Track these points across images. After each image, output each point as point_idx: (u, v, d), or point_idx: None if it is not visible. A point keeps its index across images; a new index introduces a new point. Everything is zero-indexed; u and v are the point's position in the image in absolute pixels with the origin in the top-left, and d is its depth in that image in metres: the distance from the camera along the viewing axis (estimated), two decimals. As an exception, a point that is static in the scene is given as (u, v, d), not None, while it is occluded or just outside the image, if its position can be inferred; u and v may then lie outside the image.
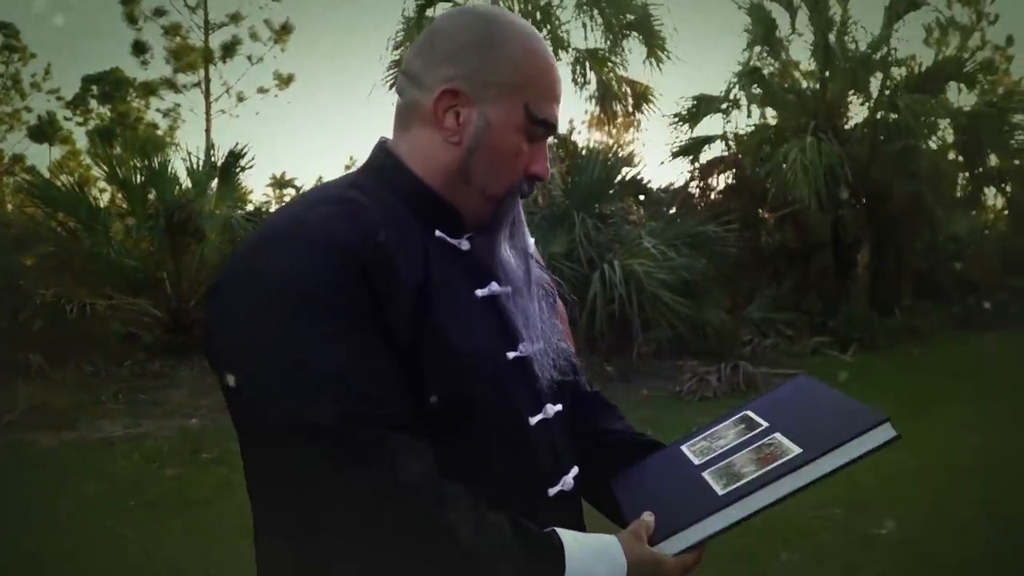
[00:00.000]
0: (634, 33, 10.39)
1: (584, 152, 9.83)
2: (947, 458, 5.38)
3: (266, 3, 20.25)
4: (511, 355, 1.07)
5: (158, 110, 22.40)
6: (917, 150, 10.12)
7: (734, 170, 11.40)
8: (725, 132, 11.51)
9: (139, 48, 19.53)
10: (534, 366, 1.10)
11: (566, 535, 0.98)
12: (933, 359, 9.54)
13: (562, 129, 10.81)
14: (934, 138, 11.05)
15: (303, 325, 0.89)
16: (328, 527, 0.89)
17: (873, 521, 4.35)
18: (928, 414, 6.76)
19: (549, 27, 10.12)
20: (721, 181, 11.62)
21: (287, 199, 17.36)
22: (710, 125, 11.96)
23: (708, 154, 11.68)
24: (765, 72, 11.18)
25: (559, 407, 1.14)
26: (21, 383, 7.88)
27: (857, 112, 11.66)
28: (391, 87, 11.32)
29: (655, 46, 10.31)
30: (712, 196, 11.53)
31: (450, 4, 10.73)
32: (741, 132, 11.54)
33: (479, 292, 1.07)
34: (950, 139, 11.36)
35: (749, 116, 11.44)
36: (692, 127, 11.36)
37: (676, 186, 11.47)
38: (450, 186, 1.07)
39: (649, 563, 1.00)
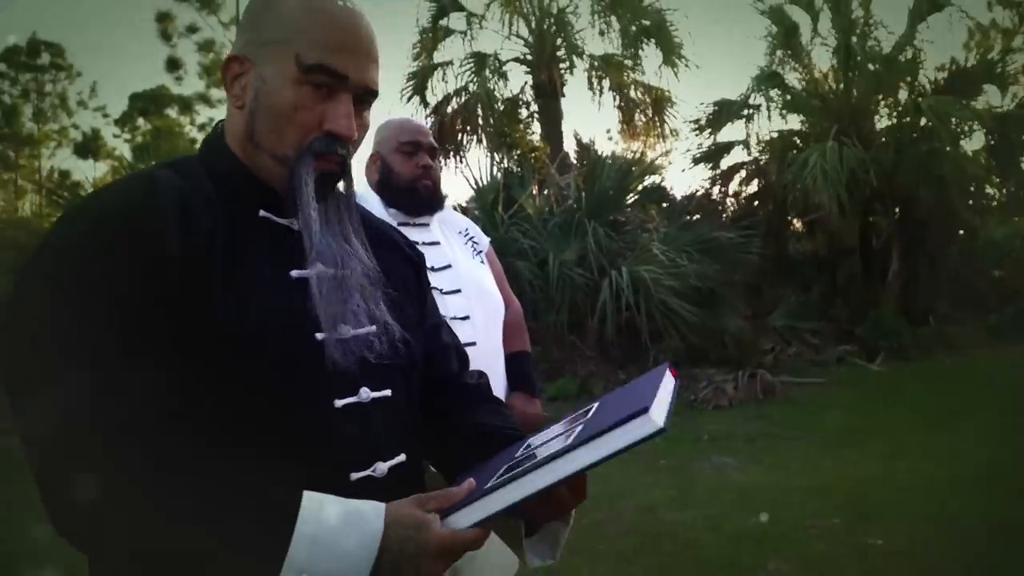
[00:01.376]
0: (650, 39, 10.32)
1: (601, 160, 9.76)
2: (957, 470, 5.19)
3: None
4: (320, 336, 1.03)
5: (193, 124, 22.89)
6: (943, 153, 9.84)
7: (758, 177, 11.23)
8: (747, 138, 11.35)
9: (173, 64, 20.02)
10: (361, 347, 1.07)
11: (313, 498, 0.90)
12: (964, 370, 9.24)
13: (585, 137, 10.71)
14: (964, 142, 10.76)
15: (56, 310, 0.91)
16: (51, 503, 0.91)
17: (872, 532, 4.21)
18: (948, 427, 6.55)
19: (564, 35, 10.11)
20: (745, 187, 11.47)
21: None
22: (732, 131, 11.79)
23: (730, 160, 11.53)
24: (786, 76, 11.01)
25: (386, 392, 1.10)
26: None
27: (883, 116, 11.43)
28: (408, 99, 11.50)
29: (671, 52, 10.21)
30: (735, 202, 11.38)
31: (463, 14, 10.83)
32: (765, 138, 11.38)
33: (294, 273, 1.04)
34: (980, 143, 11.05)
35: (771, 119, 11.27)
36: (713, 133, 11.23)
37: (699, 193, 11.32)
38: (247, 153, 1.06)
39: (411, 526, 0.92)
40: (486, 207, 8.87)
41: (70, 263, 0.92)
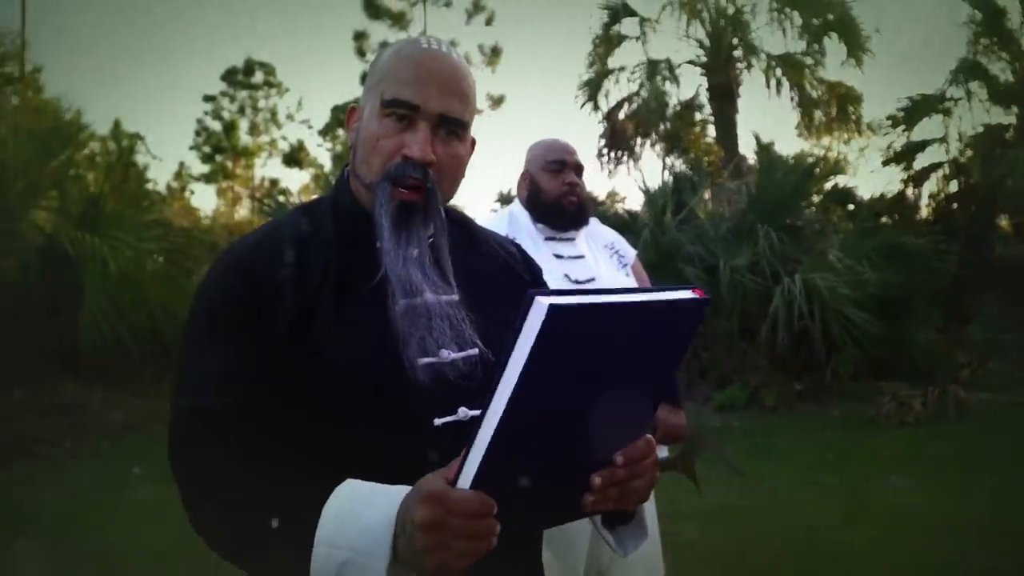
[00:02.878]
0: (833, 34, 9.81)
1: (777, 162, 9.40)
2: None
3: (479, 28, 21.34)
4: (422, 361, 1.11)
5: (385, 135, 24.24)
6: None
7: (958, 176, 10.35)
8: (945, 135, 10.48)
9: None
10: (464, 370, 1.13)
11: (347, 484, 0.99)
12: None
13: (765, 138, 10.25)
14: None
15: (191, 332, 1.14)
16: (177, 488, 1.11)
17: None
18: None
19: (740, 35, 9.82)
20: (943, 188, 10.60)
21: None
22: (927, 128, 10.91)
23: (925, 159, 10.70)
24: (990, 66, 10.07)
25: (478, 413, 1.19)
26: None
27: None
28: (582, 106, 11.61)
29: (856, 46, 9.65)
30: (931, 204, 10.55)
31: (636, 19, 10.77)
32: (967, 134, 10.45)
33: (403, 302, 1.12)
34: None
35: (988, 115, 10.27)
36: (907, 131, 10.46)
37: (890, 195, 10.60)
38: (356, 188, 1.19)
39: (417, 486, 0.95)
40: (656, 212, 8.81)
41: (204, 293, 1.15)
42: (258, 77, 27.46)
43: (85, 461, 6.68)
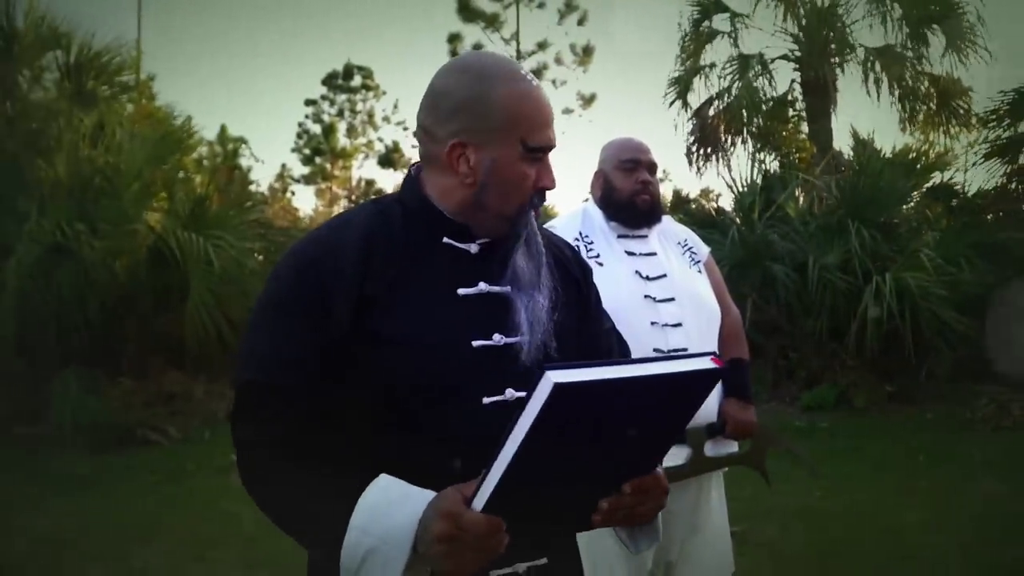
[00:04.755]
0: (936, 26, 9.44)
1: (873, 157, 9.11)
2: None
3: (570, 28, 21.36)
4: (476, 344, 1.24)
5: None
6: None
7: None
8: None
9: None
10: (510, 354, 1.25)
11: (386, 478, 1.13)
12: None
13: (863, 133, 9.87)
14: None
15: (260, 316, 1.26)
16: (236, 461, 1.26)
17: None
18: None
19: (831, 31, 9.56)
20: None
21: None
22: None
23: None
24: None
25: (524, 394, 1.27)
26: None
27: None
28: (672, 103, 11.52)
29: (959, 37, 9.26)
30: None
31: (727, 15, 10.61)
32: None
33: (461, 291, 1.26)
34: None
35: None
36: (1013, 124, 9.95)
37: (993, 190, 10.09)
38: (470, 214, 1.29)
39: (437, 499, 1.08)
40: (744, 210, 8.69)
41: (272, 281, 1.28)
42: (356, 80, 28.03)
43: (188, 447, 7.12)
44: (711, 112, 11.01)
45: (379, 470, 1.13)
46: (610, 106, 45.56)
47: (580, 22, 21.05)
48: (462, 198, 1.28)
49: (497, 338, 1.25)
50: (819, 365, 7.86)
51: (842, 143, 10.75)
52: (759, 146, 10.87)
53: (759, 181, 8.89)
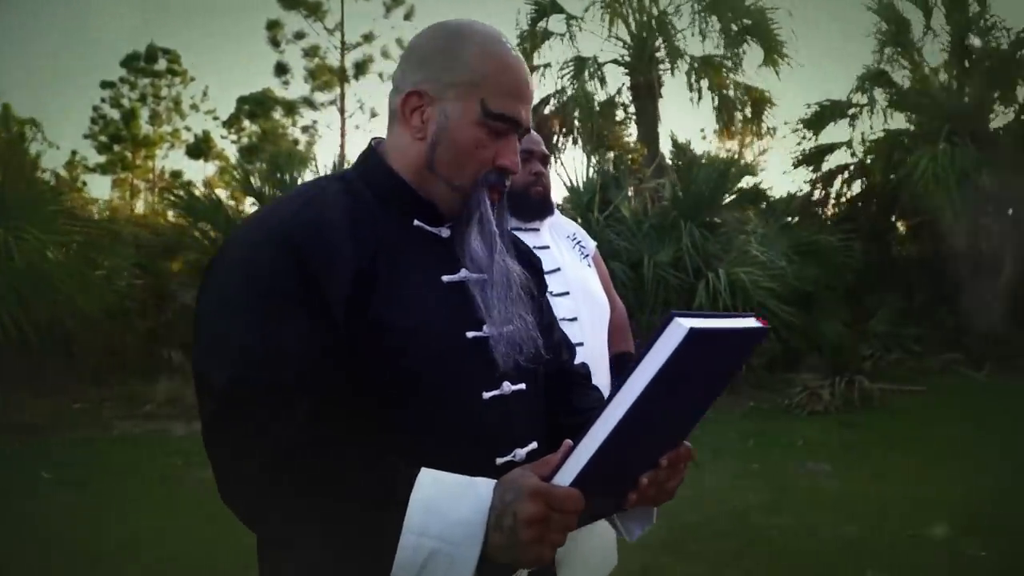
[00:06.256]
0: (751, 38, 10.17)
1: (697, 160, 9.69)
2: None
3: (397, 22, 21.10)
4: (470, 335, 1.15)
5: (296, 127, 23.58)
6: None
7: (863, 178, 10.91)
8: (851, 139, 11.05)
9: (280, 69, 20.73)
10: (493, 347, 1.17)
11: (426, 474, 1.01)
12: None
13: (682, 137, 10.59)
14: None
15: (234, 305, 1.06)
16: (218, 472, 1.05)
17: (975, 544, 4.11)
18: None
19: (664, 37, 10.06)
20: (847, 189, 11.16)
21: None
22: (837, 132, 11.44)
23: (833, 162, 11.24)
24: (894, 75, 10.67)
25: (521, 386, 1.21)
26: (162, 378, 8.57)
27: (1001, 116, 10.92)
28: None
29: (773, 51, 10.05)
30: (837, 205, 11.08)
31: (563, 17, 10.90)
32: (870, 138, 11.04)
33: (445, 278, 1.17)
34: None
35: (885, 121, 10.87)
36: (816, 134, 10.97)
37: (799, 195, 11.08)
38: (421, 178, 1.18)
39: (511, 481, 0.99)
40: (581, 208, 8.94)
41: (243, 265, 1.08)
42: (161, 64, 26.32)
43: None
44: (546, 111, 11.23)
45: (365, 462, 1.01)
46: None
47: (407, 16, 20.83)
48: (414, 158, 1.18)
49: (487, 329, 1.17)
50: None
51: (666, 147, 11.37)
52: (593, 147, 11.22)
53: (596, 180, 9.16)
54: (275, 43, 19.99)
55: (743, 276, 7.66)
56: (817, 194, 10.92)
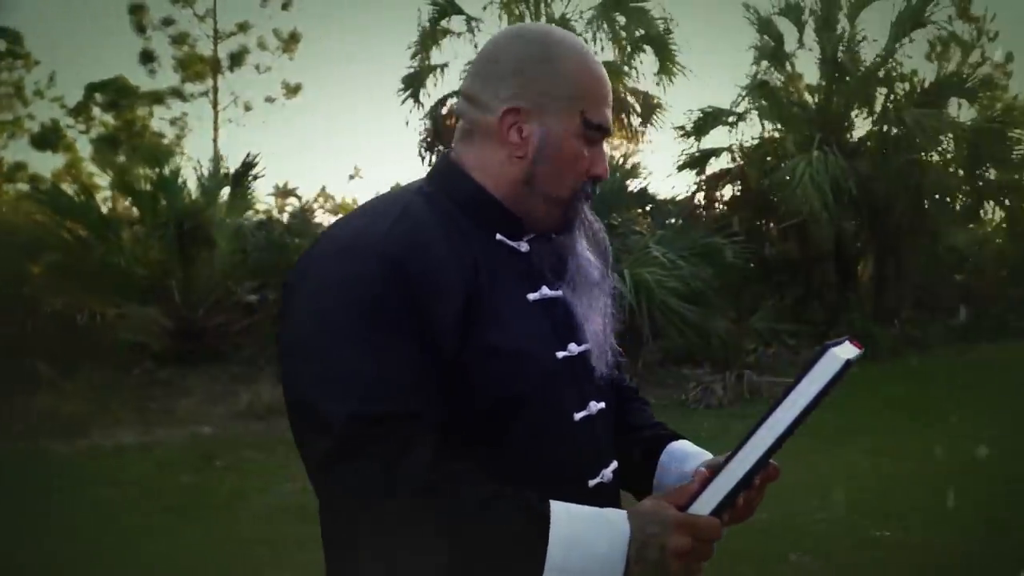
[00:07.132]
0: (647, 47, 10.54)
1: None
2: (945, 464, 5.47)
3: (275, 12, 20.44)
4: (560, 355, 1.14)
5: (163, 118, 22.37)
6: (921, 164, 10.22)
7: (739, 182, 11.53)
8: (731, 145, 11.65)
9: (147, 57, 19.67)
10: (584, 364, 1.17)
11: (558, 507, 0.99)
12: (932, 369, 9.62)
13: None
14: (936, 152, 11.21)
15: (341, 331, 1.00)
16: (336, 516, 1.03)
17: (876, 525, 4.44)
18: (926, 422, 6.87)
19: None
20: (727, 193, 11.77)
21: (289, 209, 17.54)
22: (717, 138, 12.08)
23: (714, 166, 11.82)
24: (772, 86, 11.32)
25: (602, 404, 1.20)
26: (31, 392, 7.88)
27: (861, 126, 11.83)
28: (403, 101, 11.56)
29: (668, 60, 10.45)
30: (717, 208, 11.65)
31: (463, 17, 10.88)
32: (747, 145, 11.68)
33: (531, 296, 1.14)
34: (951, 154, 11.49)
35: (763, 129, 11.53)
36: (699, 140, 11.50)
37: (682, 198, 11.58)
38: (517, 194, 1.16)
39: (650, 512, 1.00)
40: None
41: (342, 286, 1.02)
42: (0, 46, 24.30)
43: None
44: (444, 111, 11.19)
45: (488, 491, 0.99)
46: (318, 98, 44.12)
47: (284, 6, 20.24)
48: (511, 176, 1.14)
49: (572, 347, 1.16)
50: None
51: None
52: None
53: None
54: (140, 28, 18.95)
55: (647, 276, 7.91)
56: (700, 197, 11.45)
